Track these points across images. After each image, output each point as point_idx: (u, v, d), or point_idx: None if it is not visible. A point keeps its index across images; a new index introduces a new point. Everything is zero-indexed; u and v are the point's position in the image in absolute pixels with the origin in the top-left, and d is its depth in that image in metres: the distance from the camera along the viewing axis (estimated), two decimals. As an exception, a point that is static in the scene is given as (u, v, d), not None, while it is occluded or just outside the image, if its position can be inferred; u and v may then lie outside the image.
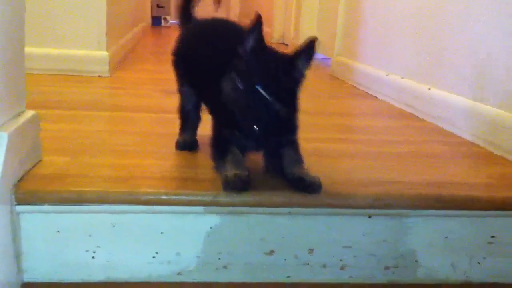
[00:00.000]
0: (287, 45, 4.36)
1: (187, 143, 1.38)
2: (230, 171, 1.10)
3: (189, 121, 1.39)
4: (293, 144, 1.18)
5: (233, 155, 1.14)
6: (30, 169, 1.14)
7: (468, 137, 1.67)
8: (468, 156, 1.52)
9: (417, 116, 1.95)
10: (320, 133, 1.67)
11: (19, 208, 1.06)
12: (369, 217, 1.17)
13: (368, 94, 2.39)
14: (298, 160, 1.17)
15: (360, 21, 2.71)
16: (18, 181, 1.08)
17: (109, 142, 1.44)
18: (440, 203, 1.17)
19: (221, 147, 1.16)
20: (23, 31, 1.15)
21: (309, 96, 2.41)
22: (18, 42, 1.13)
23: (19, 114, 1.13)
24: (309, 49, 1.10)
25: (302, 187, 1.12)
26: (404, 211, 1.16)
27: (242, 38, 1.11)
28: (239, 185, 1.09)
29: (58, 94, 2.02)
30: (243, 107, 1.07)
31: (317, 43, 1.09)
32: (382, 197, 1.15)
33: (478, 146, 1.60)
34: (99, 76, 2.43)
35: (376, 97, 2.31)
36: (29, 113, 1.16)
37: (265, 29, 5.24)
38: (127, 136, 1.50)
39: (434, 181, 1.25)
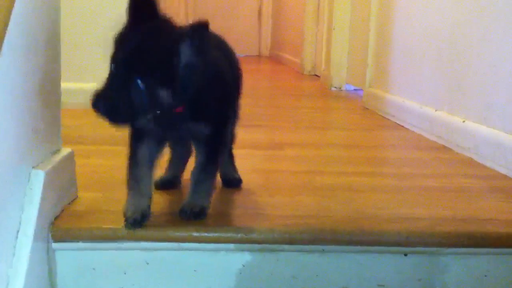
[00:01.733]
0: (318, 76, 4.38)
1: (164, 181, 1.32)
2: (129, 205, 1.08)
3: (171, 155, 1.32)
4: (212, 144, 1.14)
5: (135, 179, 1.10)
6: (67, 205, 1.17)
7: (501, 170, 1.63)
8: (502, 190, 1.49)
9: (449, 148, 1.93)
10: (351, 167, 1.67)
11: (55, 245, 1.08)
12: (405, 255, 1.15)
13: (400, 125, 2.38)
14: (201, 179, 1.14)
15: (391, 52, 2.71)
16: (55, 218, 1.10)
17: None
18: (474, 241, 1.14)
19: (129, 161, 1.12)
20: (59, 68, 1.19)
21: (341, 128, 2.42)
22: (55, 80, 1.17)
23: (55, 152, 1.16)
24: (196, 32, 0.96)
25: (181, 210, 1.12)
26: (439, 248, 1.14)
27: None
28: (138, 221, 1.07)
29: (91, 129, 2.06)
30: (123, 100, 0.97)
31: (208, 26, 0.97)
32: (415, 234, 1.13)
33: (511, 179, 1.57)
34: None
35: (408, 129, 2.30)
36: (65, 150, 1.20)
37: (297, 60, 5.23)
38: (158, 171, 1.51)
39: (467, 217, 1.23)
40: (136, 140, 1.11)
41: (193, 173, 1.16)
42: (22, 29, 0.95)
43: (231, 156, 1.37)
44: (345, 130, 2.33)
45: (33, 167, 1.04)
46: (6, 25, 0.75)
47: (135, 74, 0.95)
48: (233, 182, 1.36)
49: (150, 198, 1.10)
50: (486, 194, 1.45)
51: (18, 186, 0.99)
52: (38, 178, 1.03)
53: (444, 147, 1.96)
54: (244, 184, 1.38)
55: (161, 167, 1.24)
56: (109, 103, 0.96)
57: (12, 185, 0.97)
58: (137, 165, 1.11)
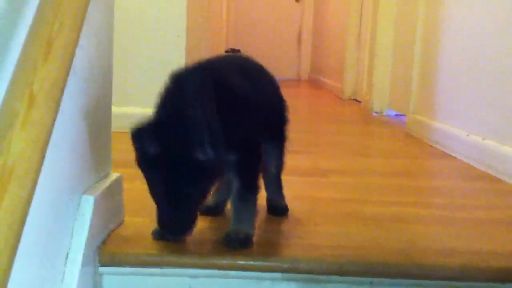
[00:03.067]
0: (359, 101, 4.34)
1: (209, 207, 1.30)
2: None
3: None
4: (244, 169, 1.15)
5: None
6: (114, 230, 1.17)
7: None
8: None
9: (499, 179, 1.87)
10: (398, 196, 1.63)
11: (101, 269, 1.09)
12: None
13: (446, 154, 2.32)
14: (241, 207, 1.16)
15: (436, 77, 2.67)
16: (102, 242, 1.11)
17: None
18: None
19: None
20: (111, 94, 1.20)
21: (384, 156, 2.38)
22: (107, 106, 1.18)
23: (105, 177, 1.17)
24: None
25: None
26: (493, 284, 1.10)
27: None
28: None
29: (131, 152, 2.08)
30: None
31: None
32: (469, 269, 1.09)
33: None
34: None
35: (455, 158, 2.24)
36: (114, 175, 1.20)
37: (336, 84, 5.22)
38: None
39: (525, 252, 1.18)
40: None
41: (232, 200, 1.16)
42: (81, 56, 0.97)
43: (279, 183, 1.35)
44: (389, 158, 2.29)
45: (83, 193, 1.05)
46: (72, 57, 0.77)
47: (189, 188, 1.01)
48: (279, 210, 1.34)
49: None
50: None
51: (69, 212, 1.00)
52: (88, 203, 1.04)
53: (494, 177, 1.90)
54: (289, 212, 1.36)
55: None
56: (183, 224, 1.04)
57: (63, 211, 0.98)
58: None
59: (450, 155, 2.28)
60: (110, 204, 1.15)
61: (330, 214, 1.41)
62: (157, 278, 1.11)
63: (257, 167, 1.18)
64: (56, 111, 0.70)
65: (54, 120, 0.70)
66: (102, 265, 1.08)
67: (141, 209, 1.34)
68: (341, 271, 1.09)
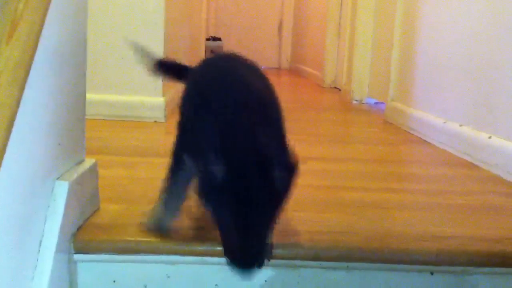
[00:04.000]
0: (339, 89, 4.35)
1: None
2: (153, 215, 1.10)
3: None
4: None
5: (170, 194, 1.09)
6: (89, 217, 1.16)
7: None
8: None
9: (475, 165, 1.89)
10: (377, 182, 1.64)
11: (76, 257, 1.07)
12: (431, 273, 1.12)
13: (424, 141, 2.34)
14: None
15: (414, 66, 2.68)
16: (77, 230, 1.09)
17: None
18: (505, 260, 1.11)
19: (169, 179, 1.10)
20: (85, 81, 1.18)
21: (363, 143, 2.39)
22: (81, 92, 1.16)
23: (79, 163, 1.16)
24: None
25: None
26: (467, 268, 1.11)
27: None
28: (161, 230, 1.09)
29: (114, 140, 2.07)
30: None
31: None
32: (444, 253, 1.10)
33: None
34: (155, 121, 2.48)
35: (433, 145, 2.26)
36: (89, 161, 1.19)
37: (317, 73, 5.25)
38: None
39: (498, 236, 1.19)
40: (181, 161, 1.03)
41: None
42: (51, 41, 0.95)
43: None
44: (368, 145, 2.29)
45: (57, 178, 1.04)
46: (38, 38, 0.75)
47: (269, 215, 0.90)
48: None
49: (174, 216, 1.11)
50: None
51: (42, 198, 0.99)
52: (62, 189, 1.02)
53: (471, 163, 1.92)
54: (267, 198, 1.35)
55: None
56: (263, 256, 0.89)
57: (36, 197, 0.96)
58: (176, 183, 1.10)
59: (428, 142, 2.30)
60: (85, 191, 1.14)
61: (309, 201, 1.41)
62: (133, 265, 1.10)
63: None
64: (20, 92, 0.68)
65: (18, 102, 0.68)
66: (77, 253, 1.07)
67: (118, 197, 1.34)
68: (318, 256, 1.10)
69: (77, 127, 1.15)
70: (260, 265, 0.86)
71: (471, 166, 1.90)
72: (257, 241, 0.86)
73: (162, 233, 1.09)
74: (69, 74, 1.10)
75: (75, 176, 1.08)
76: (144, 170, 1.65)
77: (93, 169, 1.19)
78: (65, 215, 1.00)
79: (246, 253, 0.85)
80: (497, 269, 1.12)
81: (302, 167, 1.70)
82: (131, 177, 1.54)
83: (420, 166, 2.01)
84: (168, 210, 1.11)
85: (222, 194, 0.84)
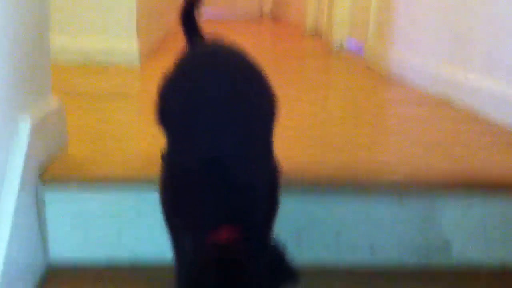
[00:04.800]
0: (320, 36, 4.30)
1: None
2: None
3: None
4: None
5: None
6: (56, 155, 1.15)
7: (505, 124, 1.60)
8: (505, 143, 1.46)
9: (452, 105, 1.89)
10: (349, 122, 1.64)
11: (44, 194, 1.07)
12: (400, 200, 1.13)
13: (403, 84, 2.33)
14: None
15: (393, 7, 2.65)
16: (44, 165, 1.08)
17: (135, 130, 1.44)
18: (471, 188, 1.12)
19: None
20: (48, 16, 1.15)
21: (343, 88, 2.38)
22: (43, 27, 1.13)
23: (44, 101, 1.14)
24: None
25: None
26: (435, 194, 1.12)
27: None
28: None
29: (85, 85, 2.04)
30: None
31: None
32: (412, 180, 1.12)
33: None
34: (128, 66, 2.43)
35: (411, 87, 2.26)
36: (55, 100, 1.17)
37: (298, 20, 5.16)
38: (153, 125, 1.49)
39: (466, 165, 1.21)
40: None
41: None
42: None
43: None
44: (347, 90, 2.29)
45: (20, 114, 1.02)
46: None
47: None
48: None
49: None
50: (487, 147, 1.42)
51: (4, 133, 0.97)
52: (25, 124, 1.00)
53: (447, 103, 1.92)
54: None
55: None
56: None
57: (-1, 130, 0.95)
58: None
59: (406, 85, 2.30)
60: (51, 129, 1.12)
61: (283, 138, 1.41)
62: (102, 200, 1.09)
63: None
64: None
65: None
66: (44, 190, 1.06)
67: (87, 138, 1.33)
68: (287, 188, 1.09)
69: (41, 62, 1.13)
70: None
71: (448, 106, 1.90)
72: None
73: None
74: (29, 4, 1.06)
75: (39, 113, 1.07)
76: (116, 112, 1.63)
77: (59, 108, 1.17)
78: (29, 150, 0.99)
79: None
80: (464, 195, 1.13)
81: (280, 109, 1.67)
82: (101, 120, 1.52)
83: (396, 107, 2.02)
84: None
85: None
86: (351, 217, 1.13)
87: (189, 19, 1.10)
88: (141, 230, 1.11)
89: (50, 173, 1.08)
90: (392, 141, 1.43)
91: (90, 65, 2.39)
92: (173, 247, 0.96)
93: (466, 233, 1.15)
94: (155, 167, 1.12)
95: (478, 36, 1.82)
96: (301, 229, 1.13)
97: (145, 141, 1.33)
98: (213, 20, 5.38)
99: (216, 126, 0.89)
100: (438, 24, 2.13)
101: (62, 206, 1.09)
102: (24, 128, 1.00)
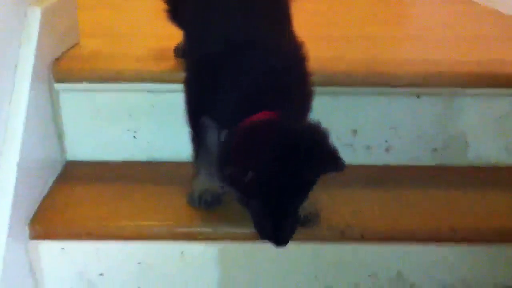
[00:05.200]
0: None
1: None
2: (198, 186, 0.97)
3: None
4: None
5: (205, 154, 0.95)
6: (68, 50, 1.13)
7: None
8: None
9: (476, 2, 1.82)
10: (368, 21, 1.58)
11: (57, 86, 1.06)
12: (418, 97, 1.10)
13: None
14: None
15: None
16: (56, 59, 1.07)
17: (151, 26, 1.40)
18: (492, 81, 1.09)
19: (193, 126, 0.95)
20: None
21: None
22: None
23: (53, -8, 1.11)
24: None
25: None
26: (454, 89, 1.10)
27: None
28: (208, 203, 0.96)
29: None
30: None
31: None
32: (431, 75, 1.08)
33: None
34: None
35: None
36: (64, -9, 1.14)
37: None
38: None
39: (486, 60, 1.16)
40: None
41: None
42: None
43: None
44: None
45: (29, 5, 0.99)
46: None
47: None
48: None
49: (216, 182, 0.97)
50: (509, 40, 1.36)
51: (15, 23, 0.95)
52: (35, 14, 0.98)
53: (471, 1, 1.84)
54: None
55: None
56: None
57: (8, 21, 0.93)
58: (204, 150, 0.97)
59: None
60: (61, 20, 1.10)
61: (302, 36, 1.37)
62: (116, 94, 1.09)
63: None
64: None
65: None
66: (57, 81, 1.06)
67: (100, 33, 1.30)
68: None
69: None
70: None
71: (469, 2, 1.82)
72: (287, 225, 0.84)
73: (210, 208, 0.97)
74: None
75: (48, 3, 1.04)
76: (131, 11, 1.59)
77: (69, 1, 1.14)
78: (40, 40, 0.97)
79: (278, 239, 0.84)
80: (484, 90, 1.10)
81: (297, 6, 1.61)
82: (115, 17, 1.49)
83: (418, 7, 1.94)
84: (208, 176, 0.97)
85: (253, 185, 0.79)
86: (367, 113, 1.11)
87: None
88: (156, 128, 1.11)
89: (63, 66, 1.07)
90: (411, 37, 1.38)
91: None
92: (195, 146, 0.96)
93: (485, 131, 1.13)
94: (168, 63, 1.11)
95: None
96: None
97: (158, 38, 1.30)
98: None
99: (239, 9, 0.86)
100: None
101: (76, 101, 1.09)
102: (34, 18, 0.98)
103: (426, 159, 1.15)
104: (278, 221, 0.84)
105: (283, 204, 0.83)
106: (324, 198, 0.98)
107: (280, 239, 0.84)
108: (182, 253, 0.98)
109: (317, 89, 1.08)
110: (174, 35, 1.11)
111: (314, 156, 0.78)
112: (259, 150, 0.79)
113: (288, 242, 0.85)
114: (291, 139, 0.79)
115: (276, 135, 0.79)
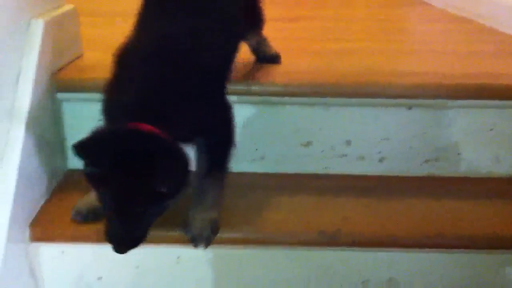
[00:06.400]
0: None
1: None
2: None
3: None
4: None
5: None
6: (72, 61, 1.17)
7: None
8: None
9: (470, 19, 1.85)
10: (366, 36, 1.62)
11: (60, 95, 1.10)
12: (409, 108, 1.14)
13: (422, 1, 2.28)
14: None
15: None
16: (59, 70, 1.11)
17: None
18: (482, 93, 1.12)
19: None
20: None
21: (362, 6, 2.33)
22: None
23: (57, 6, 1.15)
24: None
25: None
26: (445, 101, 1.13)
27: None
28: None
29: (103, 3, 2.03)
30: None
31: None
32: (421, 86, 1.11)
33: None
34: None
35: (432, 5, 2.20)
36: (68, 6, 1.18)
37: None
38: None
39: (476, 73, 1.19)
40: None
41: (199, 176, 0.96)
42: None
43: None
44: (366, 7, 2.25)
45: (32, 18, 1.04)
46: None
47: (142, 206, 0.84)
48: (270, 59, 1.24)
49: None
50: (500, 55, 1.39)
51: (18, 34, 0.99)
52: (38, 26, 1.03)
53: (466, 18, 1.88)
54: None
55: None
56: (133, 243, 0.86)
57: (11, 33, 0.97)
58: None
59: (426, 2, 2.24)
60: (64, 33, 1.14)
61: (295, 50, 1.41)
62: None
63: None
64: None
65: None
66: (59, 91, 1.09)
67: (102, 47, 1.33)
68: (294, 92, 1.11)
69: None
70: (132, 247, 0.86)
71: (465, 20, 1.86)
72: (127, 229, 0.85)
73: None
74: None
75: (51, 16, 1.08)
76: (131, 28, 1.63)
77: (72, 13, 1.18)
78: (41, 52, 1.02)
79: (114, 242, 0.84)
80: (474, 102, 1.13)
81: (294, 25, 1.61)
82: (117, 32, 1.52)
83: (412, 23, 1.98)
84: None
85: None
86: (359, 124, 1.15)
87: None
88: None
89: (64, 76, 1.10)
90: (403, 51, 1.42)
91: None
92: None
93: (475, 141, 1.16)
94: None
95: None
96: (309, 136, 1.15)
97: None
98: None
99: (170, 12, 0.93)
100: None
101: (78, 111, 1.13)
102: (37, 30, 1.02)
103: (418, 170, 1.17)
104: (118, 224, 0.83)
105: (120, 207, 0.82)
106: (314, 204, 1.01)
107: (116, 245, 0.83)
108: (178, 257, 1.01)
109: (308, 100, 1.12)
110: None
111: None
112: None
113: (125, 251, 0.84)
114: (139, 147, 0.81)
115: (126, 141, 0.81)
